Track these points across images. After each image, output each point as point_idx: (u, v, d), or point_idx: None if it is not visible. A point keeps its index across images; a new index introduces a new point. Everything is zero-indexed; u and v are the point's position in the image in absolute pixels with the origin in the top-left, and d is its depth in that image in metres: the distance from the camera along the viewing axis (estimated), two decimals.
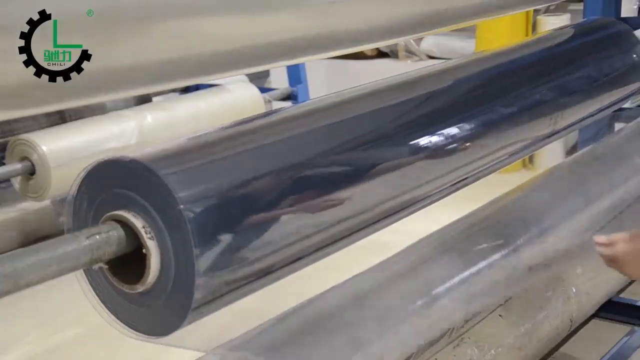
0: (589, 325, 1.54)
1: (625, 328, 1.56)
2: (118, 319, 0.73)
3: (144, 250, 0.67)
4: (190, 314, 0.69)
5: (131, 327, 0.72)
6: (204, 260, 0.67)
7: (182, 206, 0.66)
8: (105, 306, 0.73)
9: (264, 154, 0.79)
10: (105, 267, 0.70)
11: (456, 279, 1.11)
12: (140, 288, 0.69)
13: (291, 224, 0.77)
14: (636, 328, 1.55)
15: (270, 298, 0.95)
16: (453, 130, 1.01)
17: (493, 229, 1.22)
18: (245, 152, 0.78)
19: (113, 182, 0.69)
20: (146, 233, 0.66)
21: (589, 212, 1.41)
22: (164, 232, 0.67)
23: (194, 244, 0.66)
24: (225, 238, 0.69)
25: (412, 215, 0.99)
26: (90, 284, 0.73)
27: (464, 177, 1.05)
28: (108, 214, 0.68)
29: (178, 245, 0.67)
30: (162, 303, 0.69)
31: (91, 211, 0.71)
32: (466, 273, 1.12)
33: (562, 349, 1.44)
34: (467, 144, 1.03)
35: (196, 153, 0.74)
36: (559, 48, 1.37)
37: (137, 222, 0.67)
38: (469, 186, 1.10)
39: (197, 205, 0.67)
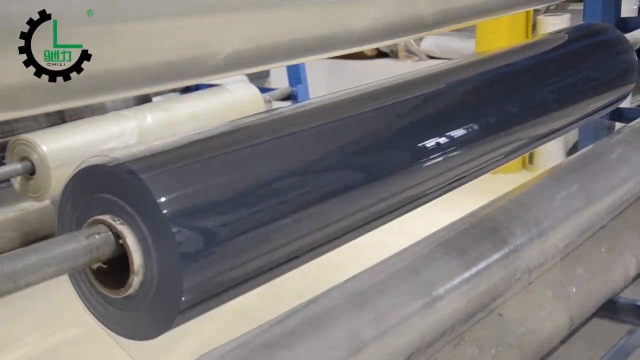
0: (589, 325, 1.54)
1: (625, 328, 1.55)
2: (104, 324, 0.72)
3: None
4: (177, 318, 0.68)
5: (117, 332, 0.72)
6: (190, 265, 0.66)
7: (166, 211, 0.65)
8: (91, 311, 0.72)
9: (253, 156, 0.78)
10: (90, 272, 0.69)
11: (456, 279, 1.11)
12: (124, 293, 0.68)
13: (282, 225, 0.75)
14: (636, 328, 1.55)
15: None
16: (452, 130, 1.01)
17: (493, 229, 1.22)
18: (233, 154, 0.76)
19: (97, 187, 0.68)
20: (128, 237, 0.66)
21: (589, 212, 1.41)
22: (147, 237, 0.65)
23: (179, 250, 0.65)
24: (212, 243, 0.68)
25: (411, 215, 0.99)
26: (77, 290, 0.72)
27: (462, 175, 1.05)
28: (91, 218, 0.67)
29: (162, 251, 0.65)
30: (147, 307, 0.68)
31: (75, 215, 0.70)
32: (466, 273, 1.13)
33: (562, 349, 1.44)
34: (466, 143, 1.03)
35: (182, 155, 0.73)
36: (555, 51, 1.37)
37: (120, 227, 0.66)
38: (468, 186, 1.10)
39: (182, 211, 0.66)
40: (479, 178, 1.12)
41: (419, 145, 0.95)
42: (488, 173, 1.15)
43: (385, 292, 1.03)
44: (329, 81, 4.14)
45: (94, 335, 1.72)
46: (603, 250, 1.59)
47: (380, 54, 4.47)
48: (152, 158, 0.70)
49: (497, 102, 1.13)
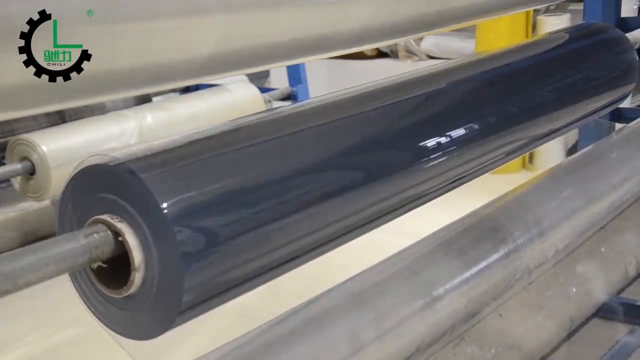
0: (589, 325, 1.54)
1: (625, 328, 1.55)
2: (104, 323, 0.72)
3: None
4: (178, 318, 0.68)
5: (118, 332, 0.71)
6: (191, 265, 0.66)
7: (166, 211, 0.65)
8: (92, 310, 0.72)
9: (254, 155, 0.78)
10: (91, 272, 0.69)
11: (456, 279, 1.11)
12: (125, 292, 0.67)
13: (283, 225, 0.75)
14: (636, 327, 1.55)
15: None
16: (452, 130, 1.01)
17: (493, 229, 1.22)
18: (234, 154, 0.76)
19: (98, 187, 0.68)
20: (127, 234, 0.65)
21: (589, 212, 1.41)
22: (148, 237, 0.65)
23: (180, 249, 0.65)
24: (213, 242, 0.68)
25: (411, 215, 0.99)
26: (77, 289, 0.72)
27: (462, 175, 1.05)
28: (92, 218, 0.67)
29: (163, 250, 0.65)
30: (148, 307, 0.68)
31: (76, 216, 0.70)
32: (466, 273, 1.13)
33: (562, 349, 1.44)
34: (466, 143, 1.03)
35: (182, 155, 0.73)
36: (556, 51, 1.37)
37: (118, 225, 0.65)
38: (468, 186, 1.10)
39: (182, 211, 0.66)
40: (479, 178, 1.12)
41: (419, 144, 0.95)
42: (488, 173, 1.15)
43: (385, 292, 1.03)
44: (329, 81, 4.15)
45: (94, 335, 1.72)
46: (603, 250, 1.59)
47: (380, 54, 4.48)
48: (153, 157, 0.70)
49: (497, 102, 1.13)
